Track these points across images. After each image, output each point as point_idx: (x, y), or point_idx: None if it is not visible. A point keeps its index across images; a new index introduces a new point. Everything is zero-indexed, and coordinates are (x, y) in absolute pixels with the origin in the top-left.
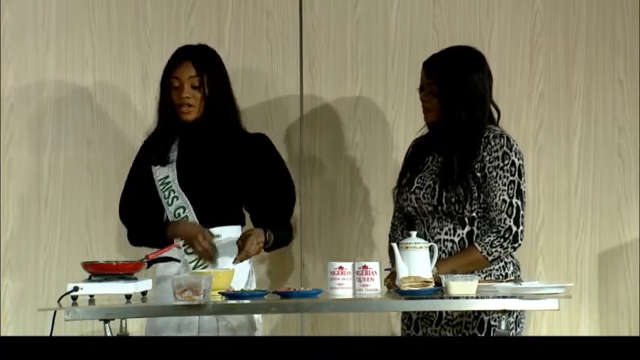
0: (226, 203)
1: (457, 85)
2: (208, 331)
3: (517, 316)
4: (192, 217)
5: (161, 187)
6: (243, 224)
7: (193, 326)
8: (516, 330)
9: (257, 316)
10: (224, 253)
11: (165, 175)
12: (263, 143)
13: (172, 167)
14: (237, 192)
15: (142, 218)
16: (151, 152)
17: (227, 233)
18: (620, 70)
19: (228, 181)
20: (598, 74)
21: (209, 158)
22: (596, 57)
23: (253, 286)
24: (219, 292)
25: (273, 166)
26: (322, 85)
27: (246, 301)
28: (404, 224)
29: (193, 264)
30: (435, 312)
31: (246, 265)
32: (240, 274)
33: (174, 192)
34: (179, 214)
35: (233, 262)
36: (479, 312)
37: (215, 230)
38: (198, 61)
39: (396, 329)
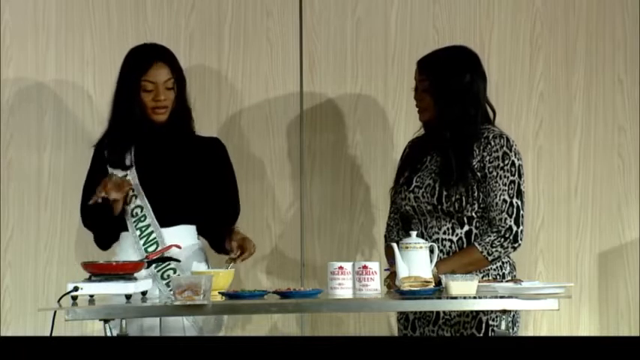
0: (182, 204)
1: (450, 82)
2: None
3: (514, 316)
4: (150, 215)
5: None
6: (198, 223)
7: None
8: (513, 329)
9: (225, 318)
10: (193, 259)
11: (124, 175)
12: (217, 147)
13: (132, 171)
14: (191, 193)
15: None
16: (109, 154)
17: (183, 232)
18: (620, 70)
19: (184, 182)
20: (598, 74)
21: (167, 159)
22: (596, 57)
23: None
24: (218, 292)
25: (220, 170)
26: (322, 85)
27: (246, 301)
28: (399, 225)
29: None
30: (432, 312)
31: (198, 248)
32: (196, 256)
33: (132, 191)
34: (136, 212)
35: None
36: (477, 312)
37: (172, 234)
38: (171, 63)
39: (396, 329)
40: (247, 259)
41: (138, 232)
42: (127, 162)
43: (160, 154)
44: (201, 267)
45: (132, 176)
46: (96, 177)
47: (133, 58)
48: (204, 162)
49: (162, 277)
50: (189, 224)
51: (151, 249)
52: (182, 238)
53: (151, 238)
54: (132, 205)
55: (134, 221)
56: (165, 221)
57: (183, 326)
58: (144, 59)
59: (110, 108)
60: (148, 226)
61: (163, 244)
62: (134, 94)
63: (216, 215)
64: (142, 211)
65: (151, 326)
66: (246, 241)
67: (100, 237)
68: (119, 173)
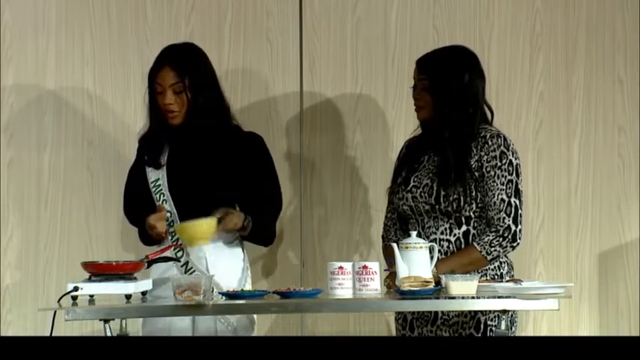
0: (213, 207)
1: (449, 82)
2: (206, 333)
3: (512, 316)
4: (176, 220)
5: (154, 189)
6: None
7: (188, 329)
8: (511, 329)
9: (255, 316)
10: (217, 254)
11: (156, 177)
12: (255, 143)
13: (163, 171)
14: (223, 195)
15: (142, 218)
16: (145, 153)
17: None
18: (620, 70)
19: (215, 184)
20: (598, 74)
21: (197, 161)
22: (596, 57)
23: (247, 285)
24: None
25: (262, 168)
26: (322, 85)
27: (246, 301)
28: (397, 225)
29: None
30: (430, 312)
31: (239, 263)
32: (234, 272)
33: (163, 195)
34: (168, 216)
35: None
36: (475, 312)
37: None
38: (179, 65)
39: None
40: (230, 227)
41: (169, 237)
42: (160, 164)
43: (185, 155)
44: (238, 258)
45: (162, 180)
46: (137, 171)
47: (155, 60)
48: (241, 158)
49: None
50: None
51: (179, 254)
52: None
53: (179, 243)
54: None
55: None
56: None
57: (216, 329)
58: (156, 62)
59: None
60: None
61: (187, 250)
62: (152, 95)
63: (258, 211)
64: (171, 216)
65: (180, 328)
66: (227, 216)
67: (143, 238)
68: (152, 176)
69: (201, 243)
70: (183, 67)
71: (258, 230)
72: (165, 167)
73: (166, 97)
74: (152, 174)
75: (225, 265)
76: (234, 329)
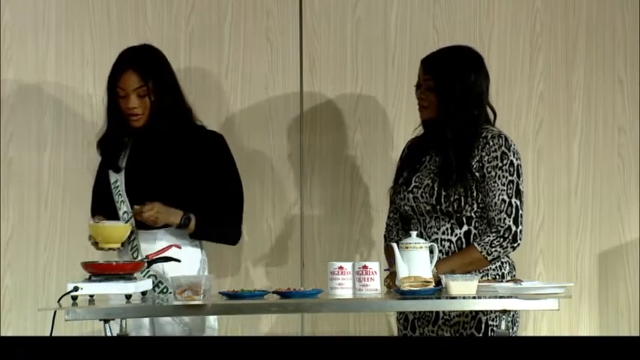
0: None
1: (454, 82)
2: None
3: (513, 316)
4: (133, 221)
5: (114, 191)
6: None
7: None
8: (513, 329)
9: (212, 317)
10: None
11: (115, 179)
12: (213, 141)
13: (122, 173)
14: (182, 196)
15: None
16: (105, 156)
17: (169, 233)
18: (620, 70)
19: (173, 186)
20: (598, 74)
21: (155, 163)
22: (596, 57)
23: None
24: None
25: (220, 166)
26: (322, 85)
27: (246, 301)
28: (399, 225)
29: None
30: (431, 312)
31: (196, 264)
32: (192, 262)
33: (121, 196)
34: (124, 217)
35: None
36: (476, 312)
37: (162, 235)
38: (142, 69)
39: (396, 329)
40: (150, 216)
41: (127, 238)
42: (119, 166)
43: (144, 159)
44: (196, 264)
45: (121, 181)
46: (103, 173)
47: (114, 64)
48: (201, 157)
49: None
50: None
51: (135, 255)
52: (169, 239)
53: (134, 243)
54: (121, 211)
55: None
56: (152, 226)
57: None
58: (118, 66)
59: (104, 112)
60: (132, 231)
61: (140, 249)
62: (113, 101)
63: (218, 209)
64: (127, 216)
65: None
66: (147, 205)
67: None
68: (113, 177)
69: (112, 246)
70: (147, 70)
71: (213, 229)
72: (124, 169)
73: (130, 101)
74: (112, 176)
75: (182, 266)
76: (189, 330)
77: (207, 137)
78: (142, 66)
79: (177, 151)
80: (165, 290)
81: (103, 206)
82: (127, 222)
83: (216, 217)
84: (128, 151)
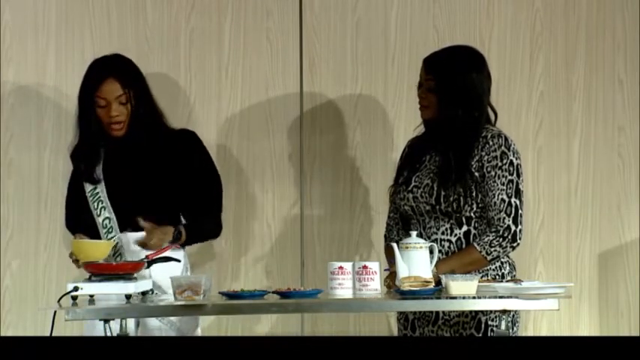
0: (152, 213)
1: (455, 82)
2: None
3: (513, 316)
4: (116, 227)
5: (91, 199)
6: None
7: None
8: (513, 329)
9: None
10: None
11: (91, 188)
12: (187, 139)
13: (101, 183)
14: (165, 200)
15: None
16: (81, 167)
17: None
18: (620, 70)
19: (156, 192)
20: (598, 74)
21: (137, 171)
22: (596, 57)
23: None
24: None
25: (197, 161)
26: (322, 85)
27: (246, 301)
28: (399, 224)
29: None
30: (431, 312)
31: (179, 266)
32: (174, 271)
33: (102, 202)
34: (106, 224)
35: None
36: (476, 312)
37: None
38: (123, 77)
39: (396, 329)
40: (154, 244)
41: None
42: (96, 176)
43: (124, 166)
44: (180, 265)
45: (101, 189)
46: (76, 185)
47: (88, 74)
48: (177, 157)
49: None
50: (167, 224)
51: (118, 259)
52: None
53: (117, 248)
54: (101, 218)
55: (105, 232)
56: (138, 227)
57: (160, 326)
58: (96, 75)
59: (75, 123)
60: (114, 236)
61: (125, 254)
62: (90, 111)
63: (199, 205)
64: (110, 223)
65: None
66: (150, 234)
67: None
68: (89, 186)
69: None
70: (126, 77)
71: (200, 232)
72: (102, 182)
73: (112, 109)
74: (88, 186)
75: (165, 268)
76: (177, 329)
77: (180, 137)
78: (122, 73)
79: (155, 156)
80: (152, 292)
81: (79, 217)
82: (109, 229)
83: (200, 214)
84: (102, 160)
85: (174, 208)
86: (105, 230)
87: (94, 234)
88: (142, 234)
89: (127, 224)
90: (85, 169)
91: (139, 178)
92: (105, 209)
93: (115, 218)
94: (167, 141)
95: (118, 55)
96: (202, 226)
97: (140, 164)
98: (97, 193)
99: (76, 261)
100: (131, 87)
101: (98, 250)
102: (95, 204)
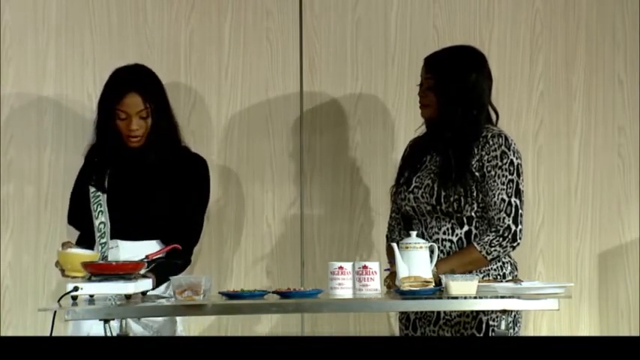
0: (144, 221)
1: (455, 82)
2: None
3: (515, 316)
4: (108, 233)
5: (92, 200)
6: (159, 239)
7: None
8: (514, 329)
9: (179, 322)
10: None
11: (95, 189)
12: (196, 166)
13: (105, 188)
14: (153, 217)
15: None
16: (91, 172)
17: (147, 247)
18: (620, 70)
19: (151, 210)
20: (598, 74)
21: (138, 182)
22: (596, 57)
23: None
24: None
25: (194, 191)
26: (322, 85)
27: (246, 301)
28: (401, 224)
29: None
30: (433, 312)
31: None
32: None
33: (100, 206)
34: (100, 228)
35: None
36: (477, 312)
37: (137, 248)
38: (145, 92)
39: (396, 329)
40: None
41: (100, 247)
42: (102, 182)
43: (132, 177)
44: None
45: (102, 195)
46: (81, 185)
47: (111, 84)
48: (180, 180)
49: None
50: (155, 239)
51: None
52: (145, 251)
53: (106, 253)
54: (98, 221)
55: (98, 235)
56: (132, 235)
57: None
58: (118, 88)
59: (93, 128)
60: (106, 242)
61: (114, 259)
62: (109, 122)
63: (172, 233)
64: (104, 227)
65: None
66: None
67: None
68: (92, 188)
69: (77, 274)
70: (148, 92)
71: (166, 274)
72: (107, 185)
73: (133, 123)
74: (92, 187)
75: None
76: (156, 331)
77: (191, 162)
78: (144, 88)
79: (161, 175)
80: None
81: (80, 214)
82: (102, 233)
83: (176, 242)
84: (111, 169)
85: (159, 227)
86: (99, 234)
87: (93, 234)
88: (131, 243)
89: (119, 232)
90: (93, 173)
91: (139, 192)
92: (102, 213)
93: (109, 224)
94: (176, 162)
95: (141, 66)
96: (171, 268)
97: (144, 179)
98: (99, 196)
99: (61, 270)
100: (152, 102)
101: (84, 261)
102: (95, 206)
